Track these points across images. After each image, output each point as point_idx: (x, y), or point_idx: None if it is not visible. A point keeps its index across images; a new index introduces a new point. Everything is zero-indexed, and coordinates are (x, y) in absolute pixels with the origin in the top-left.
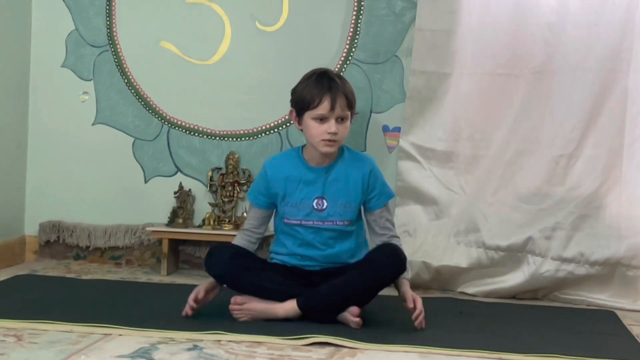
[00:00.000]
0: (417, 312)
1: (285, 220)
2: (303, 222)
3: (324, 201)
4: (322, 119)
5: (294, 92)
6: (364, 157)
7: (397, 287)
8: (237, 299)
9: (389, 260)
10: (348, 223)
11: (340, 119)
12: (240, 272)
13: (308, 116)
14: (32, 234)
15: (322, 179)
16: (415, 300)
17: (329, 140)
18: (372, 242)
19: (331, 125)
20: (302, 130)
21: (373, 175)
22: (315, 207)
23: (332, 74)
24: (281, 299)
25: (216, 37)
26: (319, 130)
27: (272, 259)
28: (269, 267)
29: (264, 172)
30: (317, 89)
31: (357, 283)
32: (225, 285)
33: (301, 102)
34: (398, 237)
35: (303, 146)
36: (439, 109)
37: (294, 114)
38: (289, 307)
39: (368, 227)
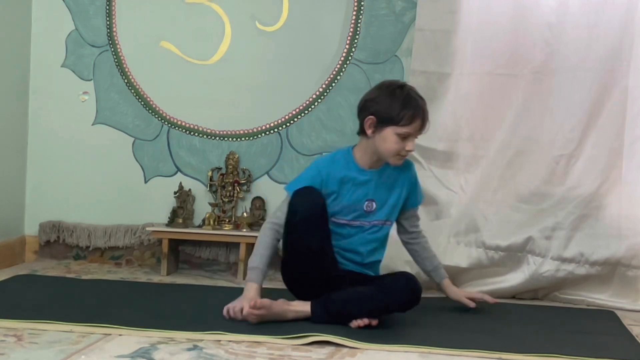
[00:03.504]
0: (485, 299)
1: (333, 219)
2: (351, 222)
3: (374, 203)
4: (405, 137)
5: (375, 101)
6: (408, 160)
7: (444, 291)
8: (257, 303)
9: (405, 295)
10: (390, 223)
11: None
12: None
13: (392, 130)
14: (32, 234)
15: (374, 182)
16: (473, 299)
17: (402, 156)
18: (401, 238)
19: (412, 144)
20: (369, 137)
21: (415, 176)
22: (365, 208)
23: (416, 91)
24: (310, 295)
25: (216, 37)
26: (398, 145)
27: None
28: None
29: (318, 170)
30: (411, 108)
31: (369, 304)
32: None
33: (389, 116)
34: (425, 237)
35: (352, 147)
36: (439, 109)
37: (371, 122)
38: (301, 309)
39: (398, 224)
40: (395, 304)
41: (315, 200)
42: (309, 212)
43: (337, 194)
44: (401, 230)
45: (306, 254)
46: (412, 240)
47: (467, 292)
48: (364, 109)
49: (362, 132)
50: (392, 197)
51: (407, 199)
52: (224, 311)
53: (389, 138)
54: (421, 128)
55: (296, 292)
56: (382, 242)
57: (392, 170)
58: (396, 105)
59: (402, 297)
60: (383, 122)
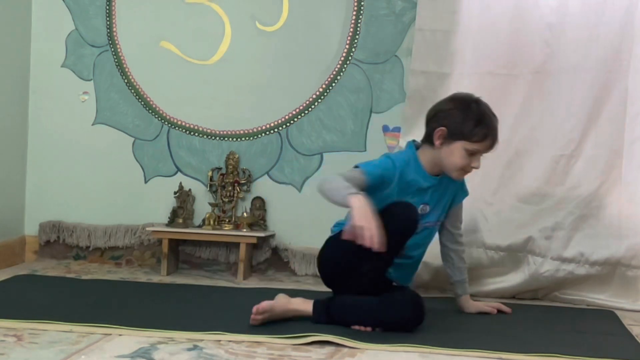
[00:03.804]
0: (503, 310)
1: None
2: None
3: (428, 207)
4: (473, 153)
5: (448, 113)
6: None
7: (462, 305)
8: (259, 308)
9: (408, 312)
10: (439, 224)
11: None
12: None
13: (462, 145)
14: (32, 234)
15: (433, 188)
16: (495, 308)
17: (466, 172)
18: (442, 241)
19: (478, 162)
20: (436, 147)
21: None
22: (420, 212)
23: (490, 108)
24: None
25: (216, 37)
26: (465, 161)
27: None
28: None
29: (394, 166)
30: (485, 125)
31: (370, 315)
32: None
33: (461, 131)
34: (464, 247)
35: (415, 149)
36: None
37: (442, 134)
38: (302, 309)
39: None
40: (397, 320)
41: (415, 217)
42: (407, 228)
43: (399, 193)
44: (442, 232)
45: (375, 255)
46: (451, 245)
47: (484, 304)
48: (435, 119)
49: (428, 140)
50: (444, 199)
51: (454, 197)
52: (347, 234)
53: (457, 152)
54: (491, 147)
55: (334, 283)
56: (428, 244)
57: (448, 177)
58: (470, 121)
59: (406, 314)
60: (454, 135)
